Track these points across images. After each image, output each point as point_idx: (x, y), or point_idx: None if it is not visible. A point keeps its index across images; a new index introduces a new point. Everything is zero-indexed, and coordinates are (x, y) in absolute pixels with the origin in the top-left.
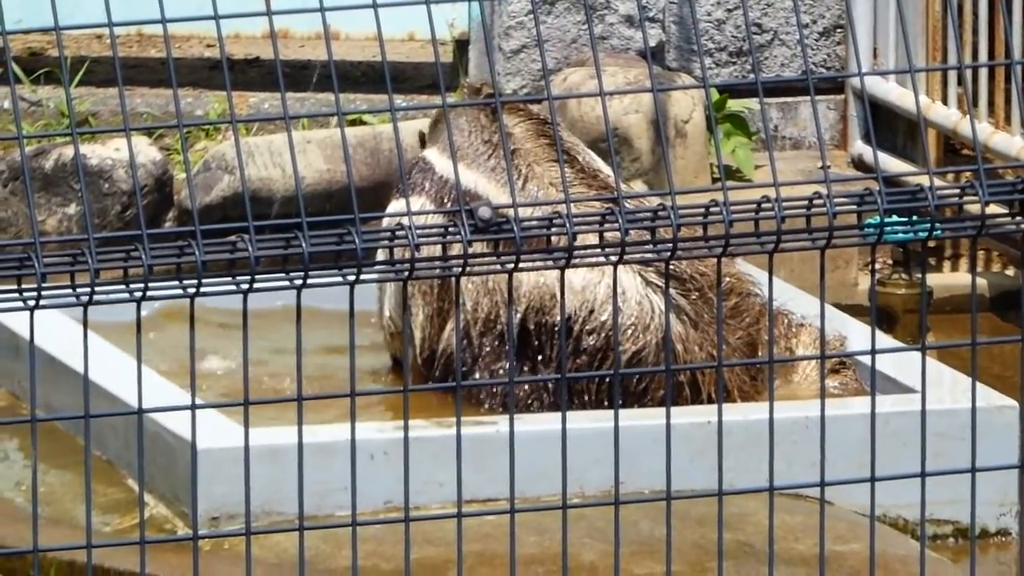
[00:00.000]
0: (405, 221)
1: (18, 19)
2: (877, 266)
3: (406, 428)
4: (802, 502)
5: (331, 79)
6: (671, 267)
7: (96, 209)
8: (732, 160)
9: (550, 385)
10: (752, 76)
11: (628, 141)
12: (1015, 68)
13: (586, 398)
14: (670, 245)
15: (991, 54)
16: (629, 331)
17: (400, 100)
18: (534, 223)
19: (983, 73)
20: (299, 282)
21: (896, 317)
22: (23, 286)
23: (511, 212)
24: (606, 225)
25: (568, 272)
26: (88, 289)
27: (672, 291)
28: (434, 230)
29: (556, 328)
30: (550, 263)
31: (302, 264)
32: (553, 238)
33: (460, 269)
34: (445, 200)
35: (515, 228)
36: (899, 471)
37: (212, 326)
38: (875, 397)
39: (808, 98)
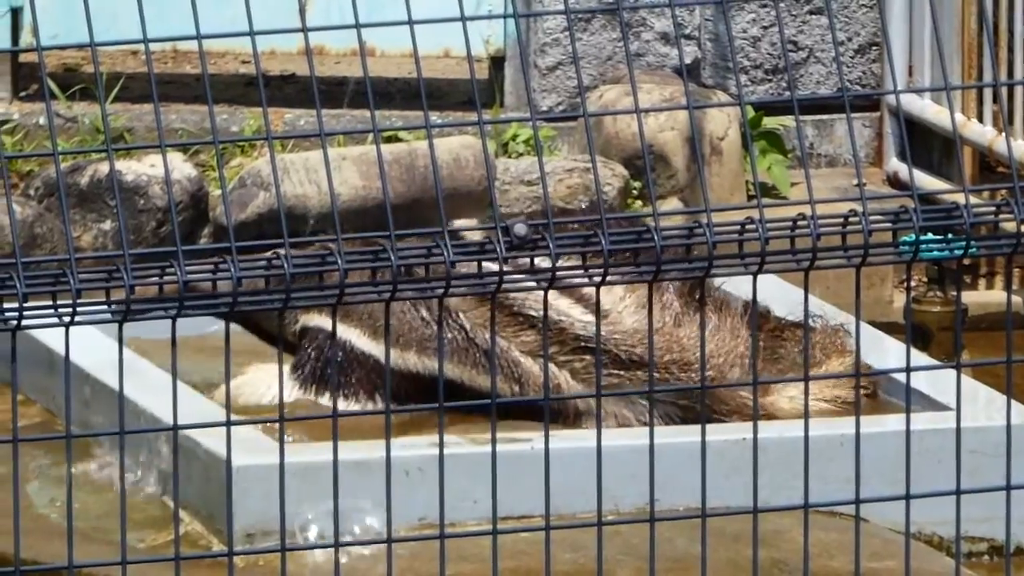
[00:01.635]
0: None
1: (54, 35)
2: (912, 284)
3: (441, 445)
4: (837, 519)
5: (367, 96)
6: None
7: (131, 225)
8: (768, 177)
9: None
10: (788, 94)
11: (664, 158)
12: None
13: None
14: (706, 263)
15: None
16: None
17: (435, 117)
18: (568, 240)
19: (1019, 91)
20: (334, 299)
21: (931, 335)
22: (58, 302)
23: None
24: (641, 244)
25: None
26: (123, 305)
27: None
28: (470, 247)
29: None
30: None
31: (338, 281)
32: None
33: (495, 287)
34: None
35: (551, 245)
36: (934, 488)
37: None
38: (910, 415)
39: (844, 116)
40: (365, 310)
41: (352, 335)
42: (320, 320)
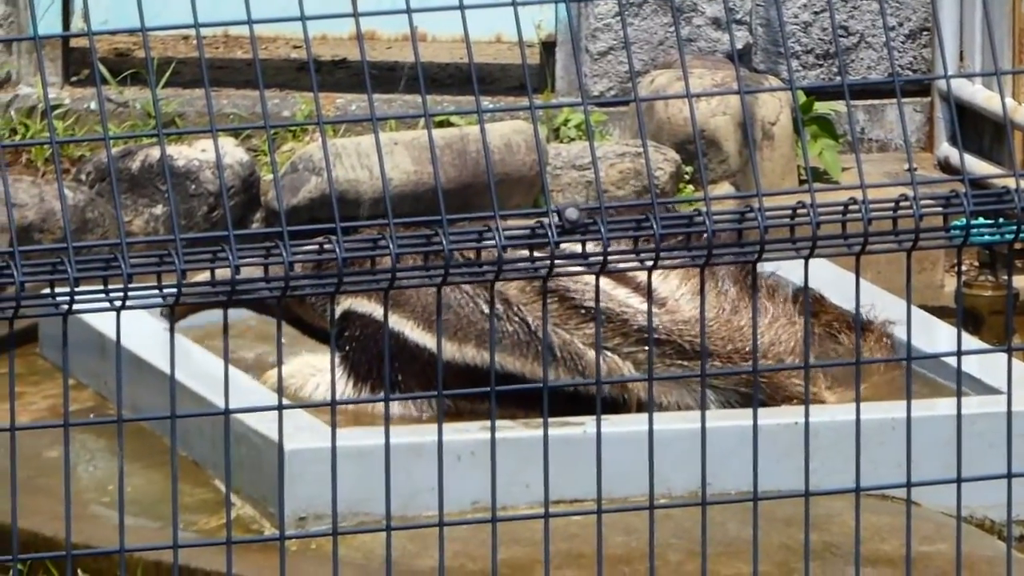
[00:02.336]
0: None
1: (104, 20)
2: (963, 268)
3: (493, 429)
4: (888, 503)
5: (418, 81)
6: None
7: (183, 210)
8: (819, 162)
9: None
10: (839, 79)
11: (716, 143)
12: None
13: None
14: (758, 247)
15: None
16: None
17: (487, 102)
18: (620, 225)
19: None
20: (385, 284)
21: (982, 319)
22: (110, 287)
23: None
24: (693, 228)
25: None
26: (175, 290)
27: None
28: (521, 231)
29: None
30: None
31: (390, 265)
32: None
33: (547, 271)
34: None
35: (602, 228)
36: (985, 472)
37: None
38: (961, 398)
39: (895, 101)
40: (419, 301)
41: (406, 327)
42: (368, 306)
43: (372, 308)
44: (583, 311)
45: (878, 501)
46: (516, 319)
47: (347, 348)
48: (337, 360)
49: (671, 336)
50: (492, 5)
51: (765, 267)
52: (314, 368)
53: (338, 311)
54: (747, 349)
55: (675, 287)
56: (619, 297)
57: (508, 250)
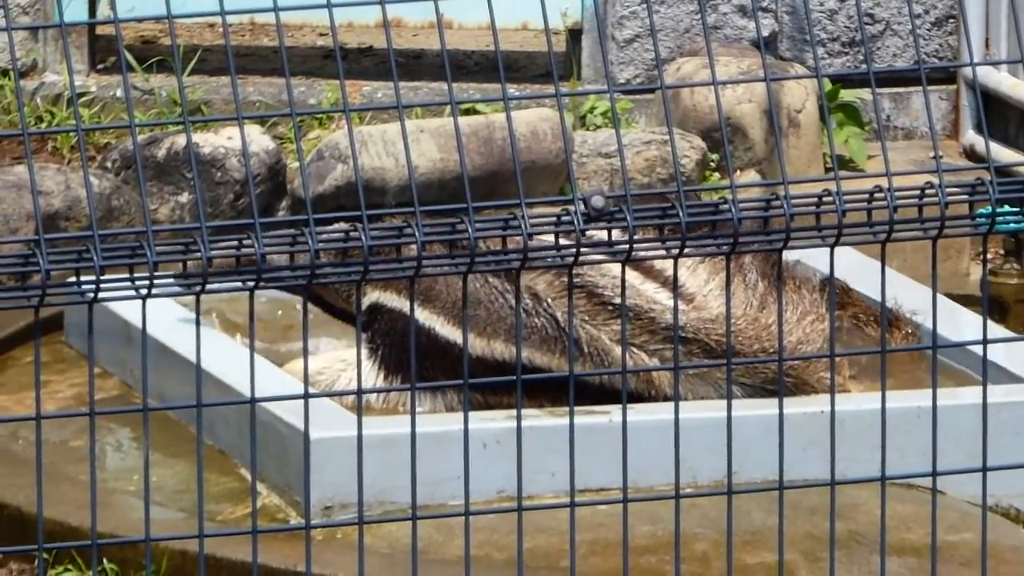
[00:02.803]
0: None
1: (131, 7)
2: (989, 256)
3: (519, 418)
4: (914, 492)
5: (444, 68)
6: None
7: (209, 198)
8: (845, 150)
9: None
10: (864, 66)
11: (741, 130)
12: None
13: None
14: (784, 235)
15: None
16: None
17: (513, 89)
18: (646, 213)
19: None
20: (411, 272)
21: (1007, 307)
22: (135, 274)
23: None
24: (720, 216)
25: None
26: (200, 278)
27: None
28: (547, 220)
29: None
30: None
31: (416, 253)
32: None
33: (572, 259)
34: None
35: (628, 216)
36: (1010, 460)
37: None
38: (987, 387)
39: (920, 88)
40: (448, 297)
41: (436, 322)
42: (398, 300)
43: (402, 303)
44: (611, 307)
45: (903, 490)
46: (545, 314)
47: (377, 343)
48: (367, 354)
49: (697, 335)
50: None
51: (789, 256)
52: (345, 363)
53: (366, 302)
54: (774, 349)
55: (703, 282)
56: (647, 293)
57: (534, 238)
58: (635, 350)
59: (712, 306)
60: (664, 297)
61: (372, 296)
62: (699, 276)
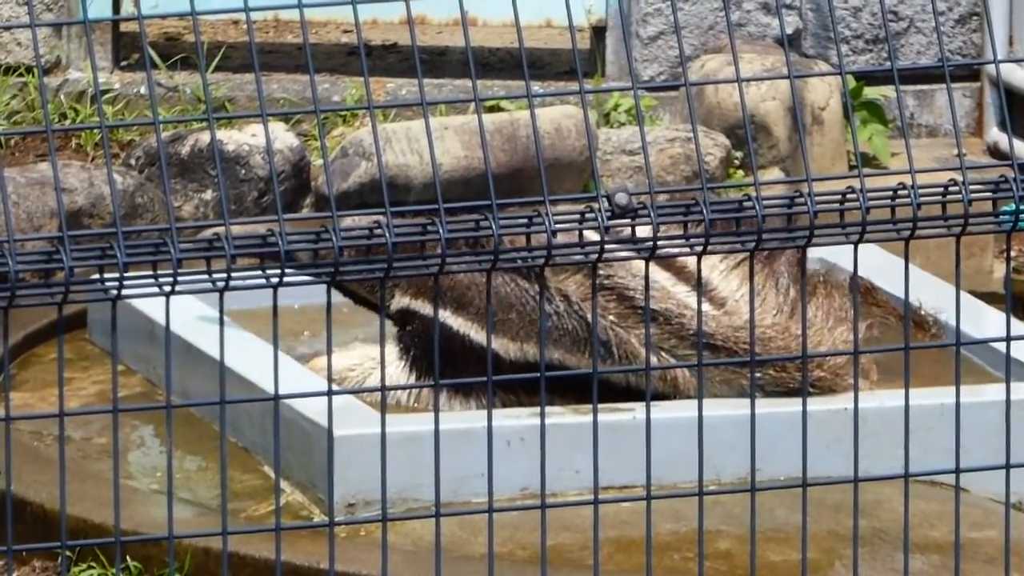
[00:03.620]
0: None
1: (155, 4)
2: (1012, 253)
3: (543, 415)
4: (937, 489)
5: (468, 65)
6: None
7: (232, 195)
8: (868, 147)
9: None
10: (888, 64)
11: (765, 128)
12: None
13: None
14: (806, 232)
15: None
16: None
17: (537, 86)
18: (669, 210)
19: None
20: (435, 268)
21: None
22: (159, 272)
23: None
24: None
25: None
26: (224, 275)
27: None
28: (571, 216)
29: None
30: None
31: (439, 250)
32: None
33: (596, 255)
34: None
35: (652, 214)
36: None
37: (355, 311)
38: (1010, 384)
39: (944, 86)
40: (482, 303)
41: (471, 329)
42: (430, 307)
43: (432, 309)
44: (641, 311)
45: (927, 487)
46: (576, 316)
47: (409, 345)
48: (398, 355)
49: (727, 343)
50: None
51: (822, 261)
52: (375, 361)
53: (397, 307)
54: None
55: (735, 287)
56: (679, 296)
57: (558, 235)
58: (663, 354)
59: (743, 312)
60: (696, 302)
61: (403, 301)
62: (731, 282)
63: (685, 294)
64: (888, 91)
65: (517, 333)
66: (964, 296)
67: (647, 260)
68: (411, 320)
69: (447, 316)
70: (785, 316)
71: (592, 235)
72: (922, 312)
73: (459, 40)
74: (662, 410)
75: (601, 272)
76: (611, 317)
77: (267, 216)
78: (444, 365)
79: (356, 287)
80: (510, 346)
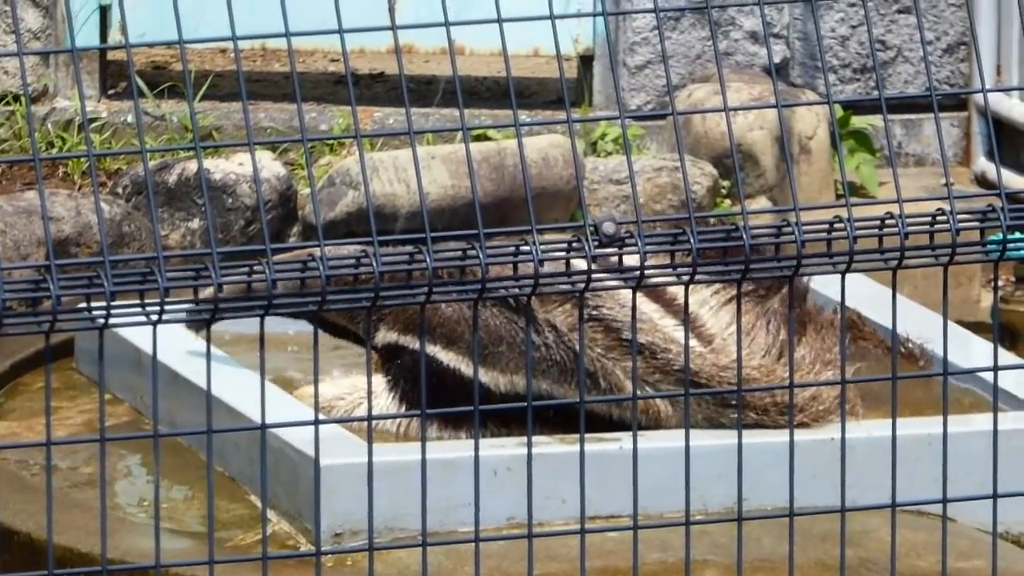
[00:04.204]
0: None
1: (142, 33)
2: (1000, 283)
3: (529, 444)
4: (924, 519)
5: (456, 94)
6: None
7: (220, 224)
8: (856, 177)
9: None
10: (876, 93)
11: (752, 157)
12: None
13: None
14: (793, 262)
15: None
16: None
17: (525, 116)
18: (657, 239)
19: None
20: (422, 298)
21: (1018, 334)
22: (146, 300)
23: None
24: (730, 243)
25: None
26: (211, 304)
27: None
28: (558, 245)
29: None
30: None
31: (426, 279)
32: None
33: (584, 284)
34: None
35: (639, 243)
36: (1021, 488)
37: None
38: (997, 414)
39: (932, 115)
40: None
41: (462, 364)
42: (419, 342)
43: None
44: (627, 343)
45: (914, 517)
46: (564, 347)
47: (398, 378)
48: (387, 387)
49: (711, 381)
50: (531, 19)
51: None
52: (364, 392)
53: (382, 340)
54: (785, 403)
55: (725, 324)
56: (666, 330)
57: (545, 264)
58: (648, 388)
59: (731, 351)
60: (682, 337)
61: (390, 336)
62: (721, 319)
63: (672, 328)
64: (876, 120)
65: (507, 366)
66: (951, 325)
67: (634, 289)
68: (399, 355)
69: (437, 351)
70: (772, 359)
71: (580, 264)
72: (909, 344)
73: (447, 69)
74: (649, 440)
75: (589, 303)
76: (598, 349)
77: (254, 245)
78: (436, 400)
79: (336, 317)
80: (500, 379)
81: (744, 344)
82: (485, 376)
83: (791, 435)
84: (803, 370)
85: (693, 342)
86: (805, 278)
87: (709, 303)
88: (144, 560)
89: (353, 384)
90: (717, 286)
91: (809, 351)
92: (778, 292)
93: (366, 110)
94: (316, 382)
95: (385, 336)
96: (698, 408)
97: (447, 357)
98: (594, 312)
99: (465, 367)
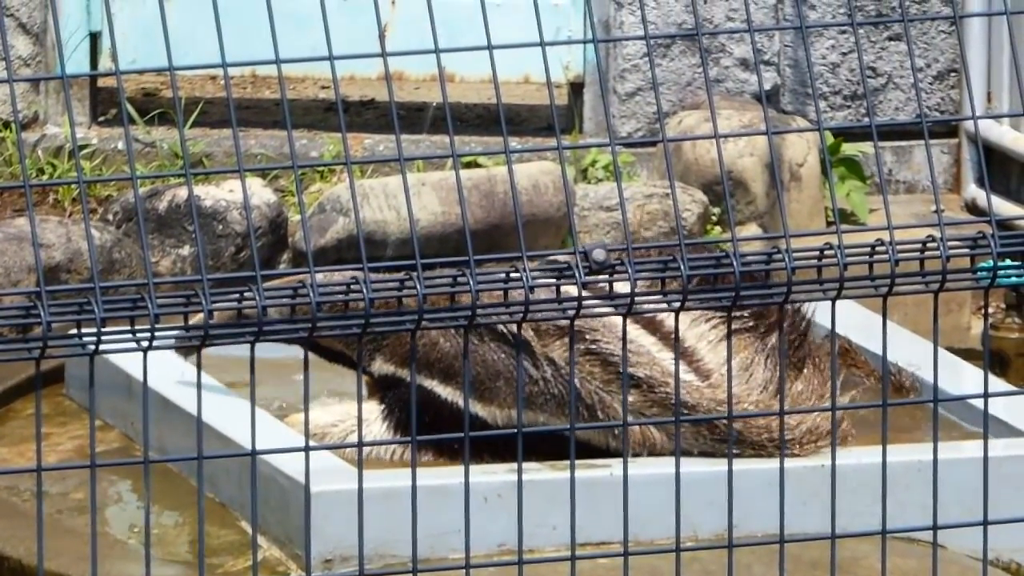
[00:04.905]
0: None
1: (132, 59)
2: (990, 310)
3: (519, 471)
4: (915, 546)
5: (446, 121)
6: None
7: (210, 250)
8: (846, 204)
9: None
10: (866, 120)
11: (743, 184)
12: None
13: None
14: (784, 288)
15: None
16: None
17: (515, 142)
18: (647, 266)
19: None
20: (412, 325)
21: (1008, 361)
22: (136, 327)
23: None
24: (721, 269)
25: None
26: (202, 330)
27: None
28: (548, 272)
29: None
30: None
31: (417, 307)
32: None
33: (574, 311)
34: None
35: (630, 270)
36: (1012, 515)
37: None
38: (987, 441)
39: (922, 142)
40: (469, 372)
41: (459, 398)
42: (417, 377)
43: (420, 379)
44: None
45: (904, 544)
46: (562, 381)
47: (394, 409)
48: (381, 415)
49: (708, 415)
50: (521, 46)
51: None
52: (353, 423)
53: (378, 371)
54: (785, 438)
55: (723, 359)
56: (664, 364)
57: (535, 291)
58: (644, 419)
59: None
60: (680, 371)
61: (387, 368)
62: (719, 353)
63: (671, 361)
64: (866, 147)
65: (505, 400)
66: (942, 352)
67: (624, 316)
68: (395, 385)
69: (435, 385)
70: (769, 395)
71: (571, 290)
72: (900, 375)
73: (437, 96)
74: (639, 466)
75: (587, 337)
76: (596, 382)
77: (245, 271)
78: (434, 432)
79: (331, 342)
80: (498, 413)
81: (742, 379)
82: (483, 410)
83: (781, 462)
84: (801, 405)
85: (691, 376)
86: (808, 312)
87: (707, 337)
88: None
89: (346, 411)
90: (715, 320)
91: (807, 386)
92: (777, 329)
93: (356, 137)
94: (306, 408)
95: (382, 367)
96: (695, 442)
97: (445, 391)
98: (592, 346)
99: (463, 401)
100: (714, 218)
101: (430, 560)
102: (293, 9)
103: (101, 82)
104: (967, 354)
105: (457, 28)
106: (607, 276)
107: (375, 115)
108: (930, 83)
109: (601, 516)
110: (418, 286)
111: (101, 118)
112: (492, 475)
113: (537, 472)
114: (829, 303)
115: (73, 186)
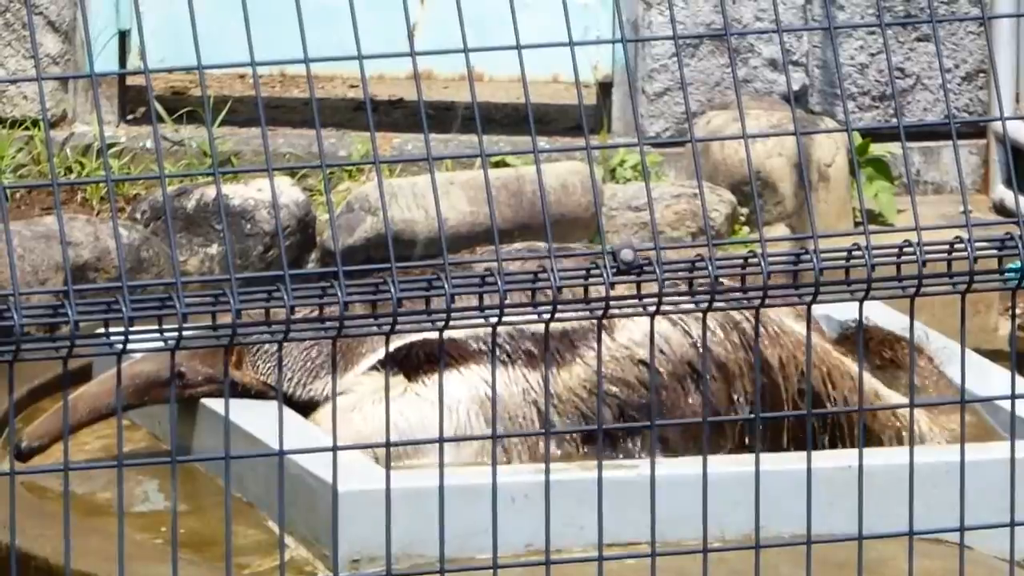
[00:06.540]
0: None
1: (161, 58)
2: (1018, 311)
3: (547, 471)
4: (942, 547)
5: (475, 120)
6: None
7: (238, 249)
8: (874, 204)
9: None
10: (895, 120)
11: (771, 184)
12: None
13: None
14: (812, 289)
15: None
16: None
17: (543, 142)
18: (675, 268)
19: None
20: (441, 324)
21: None
22: (164, 326)
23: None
24: (748, 269)
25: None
26: (229, 330)
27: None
28: (576, 272)
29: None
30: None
31: (444, 305)
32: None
33: (602, 311)
34: None
35: (658, 270)
36: None
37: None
38: (1015, 442)
39: (950, 143)
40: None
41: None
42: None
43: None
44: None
45: (931, 545)
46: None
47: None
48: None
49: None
50: (549, 45)
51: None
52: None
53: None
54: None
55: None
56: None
57: (563, 291)
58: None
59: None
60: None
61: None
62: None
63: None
64: (894, 148)
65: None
66: (969, 353)
67: (652, 316)
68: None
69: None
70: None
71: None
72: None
73: (465, 95)
74: (667, 467)
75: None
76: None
77: (273, 271)
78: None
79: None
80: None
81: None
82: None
83: (808, 462)
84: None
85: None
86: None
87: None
88: None
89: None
90: None
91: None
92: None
93: (385, 136)
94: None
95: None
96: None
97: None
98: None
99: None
100: (742, 218)
101: (457, 560)
102: (321, 5)
103: (130, 80)
104: (994, 355)
105: (486, 27)
106: (635, 276)
107: (404, 114)
108: (958, 84)
109: (629, 516)
110: (446, 285)
111: (129, 116)
112: (520, 475)
113: (565, 472)
114: (856, 304)
115: (101, 185)
